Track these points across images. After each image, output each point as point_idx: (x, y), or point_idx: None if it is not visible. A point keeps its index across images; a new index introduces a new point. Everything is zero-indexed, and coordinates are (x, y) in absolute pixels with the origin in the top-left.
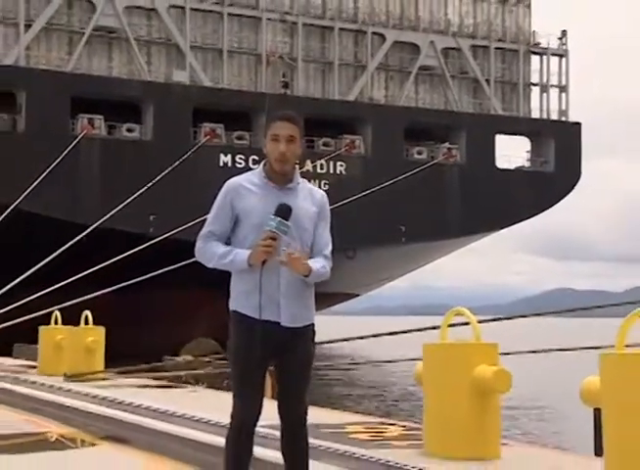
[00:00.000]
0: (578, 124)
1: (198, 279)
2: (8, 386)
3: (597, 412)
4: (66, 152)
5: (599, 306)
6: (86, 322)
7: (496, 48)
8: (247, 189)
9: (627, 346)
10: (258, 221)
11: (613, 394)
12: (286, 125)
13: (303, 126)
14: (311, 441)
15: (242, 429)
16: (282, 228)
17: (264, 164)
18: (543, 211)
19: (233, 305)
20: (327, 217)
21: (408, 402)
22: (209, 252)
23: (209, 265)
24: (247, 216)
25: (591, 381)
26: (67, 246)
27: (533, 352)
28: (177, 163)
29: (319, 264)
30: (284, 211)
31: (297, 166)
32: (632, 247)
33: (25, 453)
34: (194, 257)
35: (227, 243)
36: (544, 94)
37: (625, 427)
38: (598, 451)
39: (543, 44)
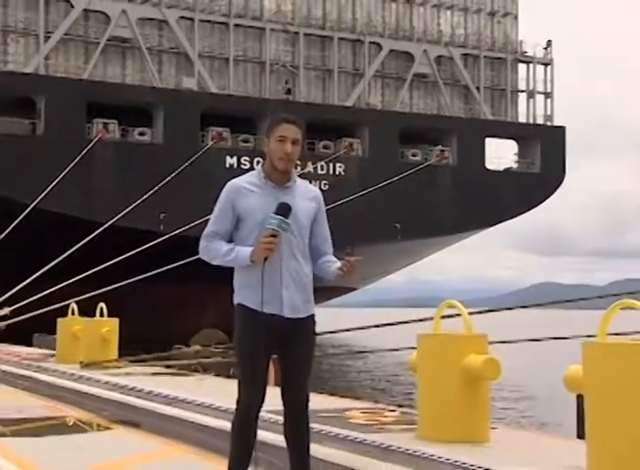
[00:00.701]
0: (562, 128)
1: (205, 274)
2: (29, 373)
3: (579, 398)
4: (82, 154)
5: (583, 299)
6: (101, 314)
7: (485, 57)
8: (247, 189)
9: (609, 334)
10: (259, 219)
11: (594, 381)
12: (292, 128)
13: (305, 130)
14: (312, 425)
15: (247, 414)
16: (283, 226)
17: (262, 165)
18: (530, 209)
19: (237, 299)
20: (324, 214)
21: (403, 389)
22: (213, 250)
23: (213, 263)
24: (248, 215)
25: (574, 369)
26: (82, 242)
27: (520, 341)
28: (186, 164)
29: (338, 263)
30: (284, 210)
31: (293, 169)
32: (612, 242)
33: (45, 436)
34: None
35: (230, 241)
36: (530, 100)
37: (606, 411)
38: (580, 434)
39: (529, 53)
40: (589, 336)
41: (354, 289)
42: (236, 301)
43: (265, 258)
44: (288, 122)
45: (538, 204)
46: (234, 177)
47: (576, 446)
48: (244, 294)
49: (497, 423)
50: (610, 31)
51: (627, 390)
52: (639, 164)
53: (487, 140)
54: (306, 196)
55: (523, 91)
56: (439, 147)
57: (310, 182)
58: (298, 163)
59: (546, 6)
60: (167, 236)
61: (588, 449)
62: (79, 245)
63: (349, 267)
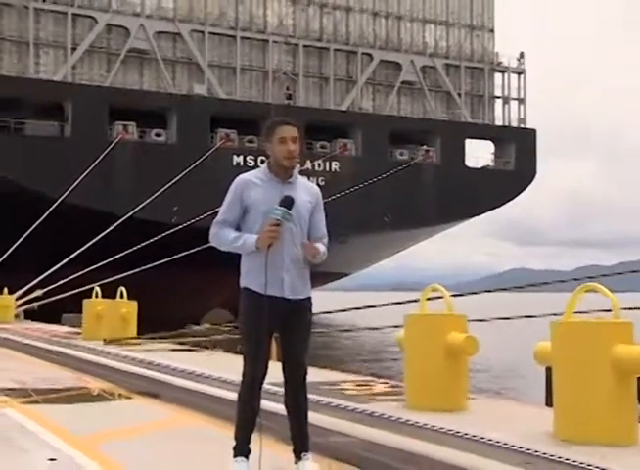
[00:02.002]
0: (534, 131)
1: (214, 260)
2: (58, 348)
3: (548, 371)
4: (104, 154)
5: (550, 282)
6: (121, 296)
7: (465, 66)
8: (254, 183)
9: (576, 313)
10: (265, 210)
11: (561, 355)
12: (290, 129)
13: (304, 131)
14: (310, 396)
15: (251, 386)
16: (286, 217)
17: (268, 163)
18: (505, 203)
19: (243, 282)
20: (322, 208)
21: (392, 364)
22: (223, 237)
23: (223, 248)
24: (254, 206)
25: (543, 345)
26: (105, 233)
27: (496, 319)
28: (197, 163)
29: (323, 248)
30: (288, 203)
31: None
32: (577, 232)
33: (73, 404)
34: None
35: (237, 229)
36: (506, 105)
37: (571, 382)
38: (548, 402)
39: (504, 63)
40: (555, 315)
41: (348, 274)
42: (242, 284)
43: (269, 246)
44: (285, 124)
45: (512, 198)
46: (241, 174)
47: (545, 412)
48: (249, 278)
49: (475, 394)
50: (580, 44)
51: (590, 363)
52: (602, 164)
53: (467, 141)
54: (307, 191)
55: (498, 97)
56: (424, 147)
57: (309, 178)
58: (298, 161)
59: (521, 21)
60: (180, 227)
61: (555, 415)
62: (102, 235)
63: (307, 248)
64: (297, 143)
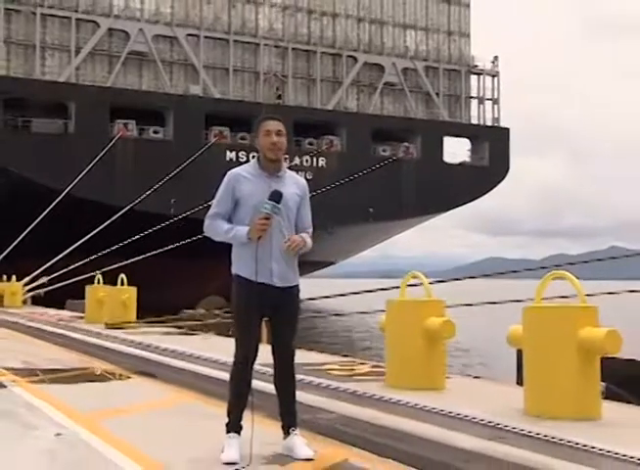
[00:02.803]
0: (507, 129)
1: (207, 250)
2: (63, 332)
3: (519, 352)
4: (105, 150)
5: (521, 271)
6: (122, 283)
7: (444, 69)
8: (245, 177)
9: (544, 299)
10: (254, 203)
11: (531, 338)
12: (275, 123)
13: (293, 129)
14: (297, 376)
15: (243, 366)
16: (275, 210)
17: (257, 158)
18: (480, 196)
19: (234, 270)
20: (308, 201)
21: (373, 346)
22: (217, 228)
23: (216, 239)
24: (245, 199)
25: (515, 328)
26: (106, 223)
27: (471, 305)
28: (192, 158)
29: (309, 239)
30: (277, 197)
31: (283, 159)
32: (547, 224)
33: (77, 383)
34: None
35: (229, 221)
36: (481, 105)
37: (540, 362)
38: (519, 381)
39: (480, 66)
40: (519, 301)
41: (333, 263)
42: (233, 272)
43: (259, 237)
44: (270, 119)
45: (487, 191)
46: (233, 168)
47: (516, 391)
48: (240, 266)
49: (452, 373)
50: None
51: (557, 344)
52: (569, 160)
53: (445, 138)
54: (295, 184)
55: (474, 98)
56: (405, 144)
57: (297, 173)
58: (287, 156)
59: (498, 26)
60: (177, 218)
61: (525, 393)
62: (103, 225)
63: (290, 243)
64: (283, 137)
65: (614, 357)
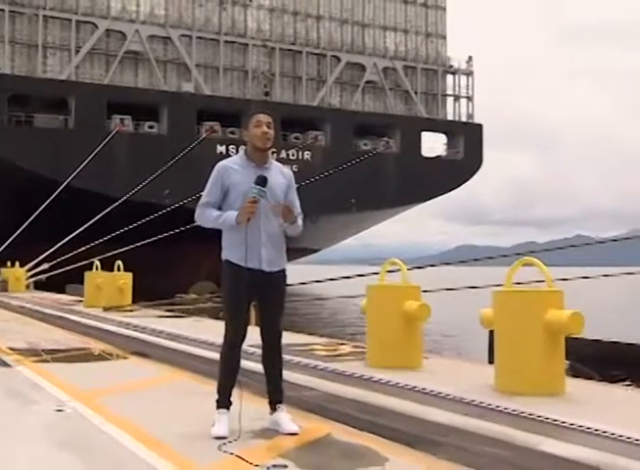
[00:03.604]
0: (480, 125)
1: (200, 237)
2: (64, 314)
3: (491, 333)
4: (103, 143)
5: (493, 257)
6: (118, 269)
7: (421, 68)
8: (233, 168)
9: (515, 283)
10: (242, 191)
11: (502, 319)
12: (265, 116)
13: (280, 124)
14: (284, 356)
15: (232, 347)
16: (261, 194)
17: (245, 151)
18: (455, 188)
19: (224, 256)
20: (294, 188)
21: (356, 328)
22: (207, 216)
23: (208, 226)
24: (234, 188)
25: (487, 310)
26: (103, 213)
27: (445, 289)
28: (185, 151)
29: (299, 221)
30: (262, 181)
31: (270, 152)
32: (516, 214)
33: (76, 363)
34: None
35: (219, 209)
36: (456, 102)
37: (510, 342)
38: (491, 360)
39: (455, 66)
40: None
41: (318, 250)
42: (223, 257)
43: (248, 220)
44: (261, 112)
45: (462, 184)
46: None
47: (488, 369)
48: (229, 251)
49: (428, 353)
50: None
51: (526, 325)
52: (538, 155)
53: (423, 133)
54: (280, 174)
55: (450, 95)
56: (385, 138)
57: (284, 165)
58: (275, 150)
59: (471, 28)
60: (170, 208)
61: (496, 371)
62: (101, 215)
63: (278, 209)
64: (272, 129)
65: (579, 338)
